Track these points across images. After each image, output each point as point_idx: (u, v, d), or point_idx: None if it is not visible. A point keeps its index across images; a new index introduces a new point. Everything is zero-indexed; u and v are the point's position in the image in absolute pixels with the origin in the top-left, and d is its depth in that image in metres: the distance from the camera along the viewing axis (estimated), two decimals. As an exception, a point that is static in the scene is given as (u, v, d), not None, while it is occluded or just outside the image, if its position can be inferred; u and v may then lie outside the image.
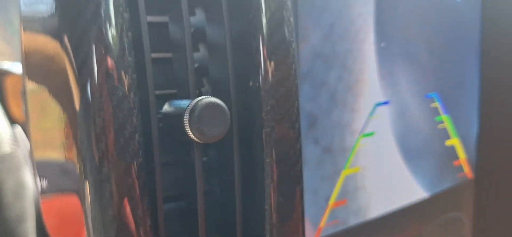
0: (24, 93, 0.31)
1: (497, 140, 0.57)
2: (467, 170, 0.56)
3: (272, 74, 0.29)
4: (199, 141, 0.27)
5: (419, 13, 0.45)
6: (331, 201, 0.41)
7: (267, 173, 0.30)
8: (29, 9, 0.28)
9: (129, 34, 0.25)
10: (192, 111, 0.26)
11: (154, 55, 0.31)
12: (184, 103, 0.27)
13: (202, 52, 0.33)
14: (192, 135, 0.26)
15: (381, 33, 0.41)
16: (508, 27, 0.55)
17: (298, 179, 0.31)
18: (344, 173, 0.41)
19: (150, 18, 0.31)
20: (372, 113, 0.42)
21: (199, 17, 0.33)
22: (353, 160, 0.42)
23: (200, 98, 0.26)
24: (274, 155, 0.30)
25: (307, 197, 0.39)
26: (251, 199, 0.31)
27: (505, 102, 0.56)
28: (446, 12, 0.48)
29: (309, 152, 0.38)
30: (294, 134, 0.30)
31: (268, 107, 0.29)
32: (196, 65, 0.34)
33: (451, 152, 0.53)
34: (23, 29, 0.29)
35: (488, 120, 0.55)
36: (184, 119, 0.26)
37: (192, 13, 0.32)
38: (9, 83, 0.62)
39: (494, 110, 0.56)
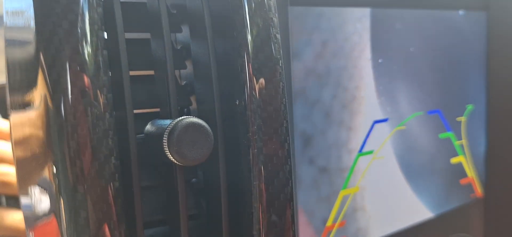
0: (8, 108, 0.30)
1: (508, 158, 0.55)
2: (476, 189, 0.54)
3: (258, 93, 0.28)
4: (179, 164, 0.25)
5: (419, 28, 0.44)
6: (329, 223, 0.39)
7: (255, 196, 0.28)
8: (10, 19, 0.27)
9: (105, 52, 0.24)
10: (171, 132, 0.24)
11: (137, 72, 0.30)
12: (166, 123, 0.26)
13: (189, 69, 0.32)
14: (171, 157, 0.25)
15: (378, 49, 0.40)
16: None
17: (288, 202, 0.29)
18: (342, 194, 0.40)
19: (133, 35, 0.30)
20: (370, 131, 0.41)
21: (186, 33, 0.32)
22: (352, 180, 0.40)
23: (180, 118, 0.25)
24: (262, 177, 0.28)
25: (303, 219, 0.37)
26: (239, 224, 0.29)
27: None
28: (448, 27, 0.47)
29: (304, 172, 0.36)
30: (283, 154, 0.29)
31: (255, 126, 0.28)
32: (184, 82, 0.33)
33: (458, 170, 0.51)
34: (5, 41, 0.28)
35: (497, 137, 0.53)
36: (163, 141, 0.25)
37: (178, 29, 0.31)
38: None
39: (503, 126, 0.54)
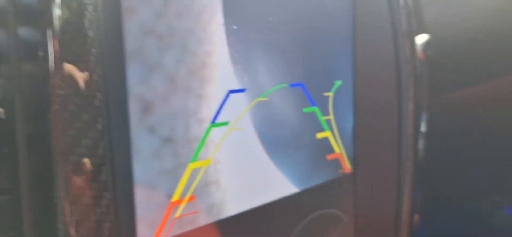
0: None
1: (374, 133, 0.56)
2: (345, 164, 0.54)
3: (61, 55, 0.24)
4: None
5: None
6: (175, 198, 0.37)
7: (60, 184, 0.24)
8: None
9: None
10: None
11: None
12: None
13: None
14: None
15: (232, 15, 0.38)
16: (380, 21, 0.53)
17: (103, 187, 0.26)
18: (191, 166, 0.37)
19: None
20: (225, 100, 0.38)
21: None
22: (203, 151, 0.38)
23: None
24: (67, 161, 0.24)
25: (141, 194, 0.34)
26: (46, 219, 0.25)
27: (379, 95, 0.54)
28: (313, 1, 0.45)
29: (143, 142, 0.33)
30: (96, 134, 0.25)
31: (57, 105, 0.24)
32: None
33: (324, 145, 0.51)
34: None
35: (364, 112, 0.54)
36: None
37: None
38: None
39: (369, 103, 0.54)
